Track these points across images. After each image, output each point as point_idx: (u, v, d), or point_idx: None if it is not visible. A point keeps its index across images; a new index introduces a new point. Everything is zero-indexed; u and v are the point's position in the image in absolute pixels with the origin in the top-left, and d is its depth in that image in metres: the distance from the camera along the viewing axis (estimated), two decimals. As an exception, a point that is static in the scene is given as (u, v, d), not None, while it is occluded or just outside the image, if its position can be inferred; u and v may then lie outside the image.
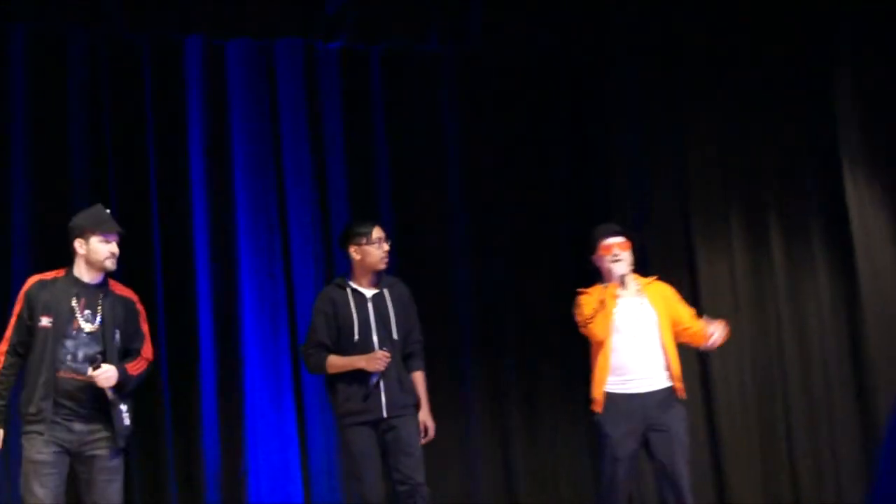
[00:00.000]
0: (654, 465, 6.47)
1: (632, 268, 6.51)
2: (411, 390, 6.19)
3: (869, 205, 8.56)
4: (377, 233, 6.26)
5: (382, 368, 6.05)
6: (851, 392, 8.52)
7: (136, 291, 6.30)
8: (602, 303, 6.31)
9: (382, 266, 6.22)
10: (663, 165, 8.74)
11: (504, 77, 8.73)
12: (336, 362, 6.12)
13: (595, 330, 6.32)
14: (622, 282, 6.45)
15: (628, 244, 6.54)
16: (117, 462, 5.70)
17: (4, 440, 5.51)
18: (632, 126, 8.74)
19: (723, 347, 7.64)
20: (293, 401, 7.91)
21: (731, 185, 8.76)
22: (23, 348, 5.59)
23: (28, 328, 5.57)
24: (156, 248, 7.60)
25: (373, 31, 8.10)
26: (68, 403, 5.54)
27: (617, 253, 6.44)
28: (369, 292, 6.18)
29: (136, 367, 5.70)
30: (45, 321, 5.55)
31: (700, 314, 6.80)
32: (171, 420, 7.59)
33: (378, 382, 6.07)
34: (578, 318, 6.44)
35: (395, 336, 6.23)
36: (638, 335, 6.47)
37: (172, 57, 7.88)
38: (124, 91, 7.72)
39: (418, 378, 6.28)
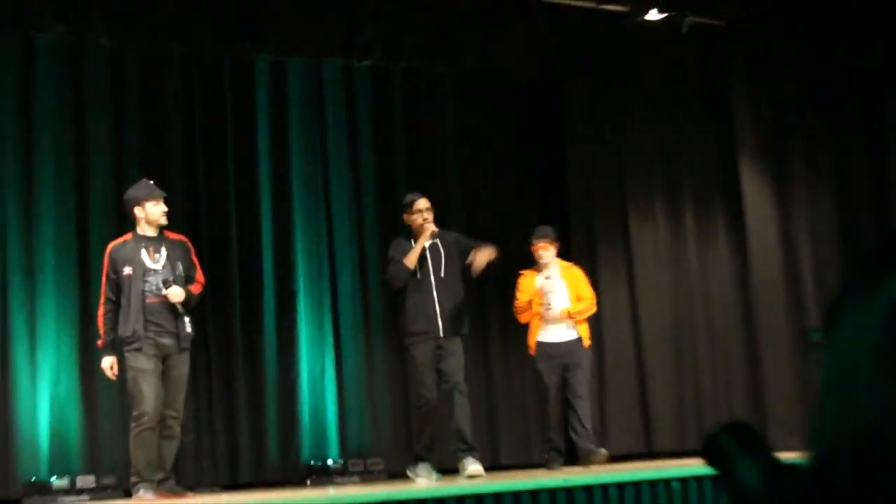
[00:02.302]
0: (567, 389, 8.13)
1: (553, 259, 8.24)
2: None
3: (758, 190, 9.70)
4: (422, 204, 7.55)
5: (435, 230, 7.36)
6: (741, 324, 9.81)
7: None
8: (529, 304, 8.13)
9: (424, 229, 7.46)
10: (606, 162, 9.96)
11: (490, 93, 9.96)
12: (410, 257, 7.44)
13: (521, 318, 8.26)
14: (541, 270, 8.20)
15: (550, 244, 8.22)
16: (185, 359, 6.90)
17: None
18: (582, 134, 9.94)
19: (648, 291, 9.50)
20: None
21: (656, 174, 9.98)
22: (115, 297, 6.77)
23: (115, 281, 6.75)
24: (232, 221, 8.91)
25: (396, 54, 9.12)
26: (153, 321, 6.77)
27: (542, 254, 8.21)
28: (426, 242, 7.50)
29: (195, 289, 6.94)
30: (127, 270, 6.72)
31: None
32: (242, 335, 8.89)
33: None
34: (516, 302, 8.25)
35: (444, 274, 7.54)
36: (555, 303, 8.17)
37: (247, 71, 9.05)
38: (211, 98, 8.94)
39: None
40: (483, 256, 7.52)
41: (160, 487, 6.78)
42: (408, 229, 7.66)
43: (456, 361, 7.47)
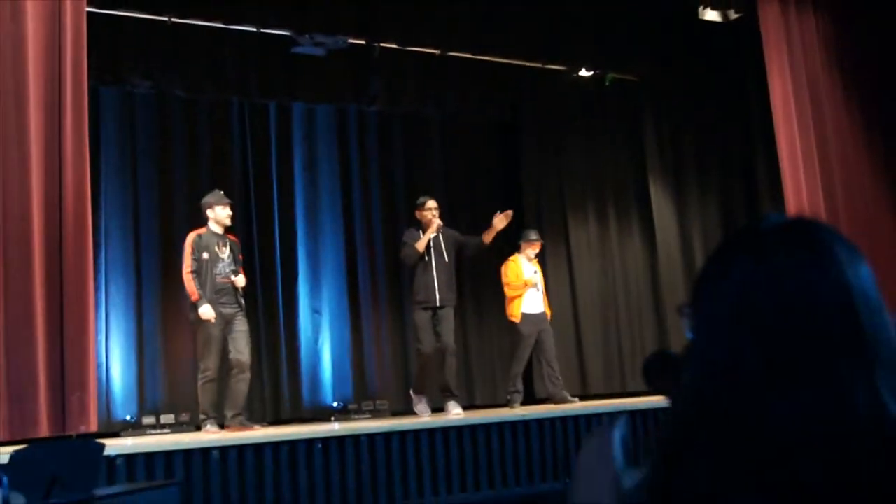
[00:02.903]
0: (538, 350, 8.40)
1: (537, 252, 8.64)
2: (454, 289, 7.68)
3: (662, 200, 10.05)
4: (431, 205, 7.73)
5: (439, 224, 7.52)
6: (651, 299, 10.08)
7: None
8: (525, 284, 8.39)
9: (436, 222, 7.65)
10: (551, 180, 10.06)
11: (465, 131, 10.07)
12: (420, 243, 7.58)
13: (512, 292, 8.41)
14: (530, 259, 8.58)
15: (538, 244, 8.64)
16: (243, 319, 7.06)
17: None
18: (534, 160, 10.05)
19: (583, 275, 9.66)
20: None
21: (588, 190, 10.17)
22: (197, 270, 6.90)
23: (196, 260, 6.94)
24: (275, 224, 9.06)
25: (395, 101, 9.29)
26: (221, 296, 6.96)
27: (535, 251, 8.62)
28: (432, 234, 7.59)
29: (243, 279, 7.16)
30: (205, 255, 6.95)
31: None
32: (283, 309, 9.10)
33: None
34: (506, 280, 8.44)
35: (446, 259, 7.64)
36: (535, 285, 8.50)
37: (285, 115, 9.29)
38: (258, 136, 9.10)
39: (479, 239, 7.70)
40: (502, 221, 7.75)
41: (232, 421, 6.88)
42: (418, 223, 7.85)
43: (448, 326, 7.64)
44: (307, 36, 8.32)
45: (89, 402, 5.66)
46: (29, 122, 5.72)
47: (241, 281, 7.10)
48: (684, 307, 8.68)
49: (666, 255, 9.97)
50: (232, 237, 7.27)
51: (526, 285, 8.47)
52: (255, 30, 8.24)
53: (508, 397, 8.41)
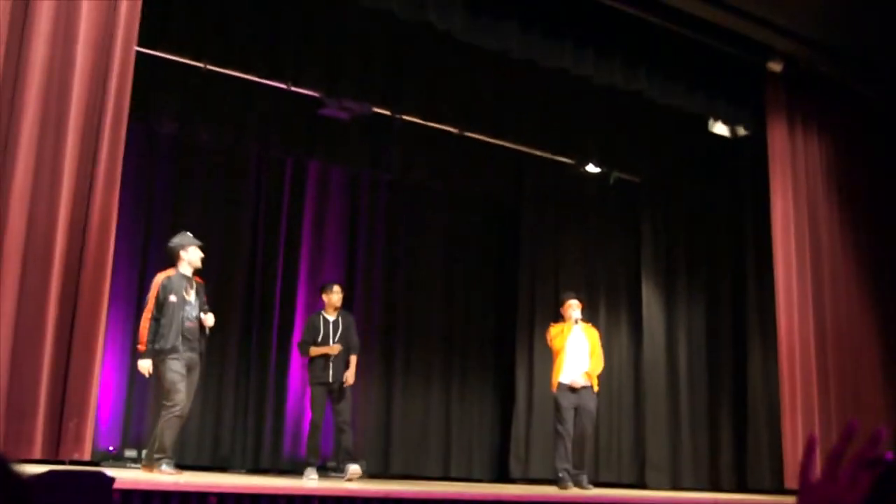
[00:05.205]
0: (576, 426, 7.58)
1: (580, 317, 7.86)
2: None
3: (653, 298, 9.83)
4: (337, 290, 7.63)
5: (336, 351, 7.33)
6: (631, 399, 9.78)
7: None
8: (561, 331, 7.74)
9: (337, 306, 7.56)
10: (547, 266, 10.04)
11: (471, 209, 10.19)
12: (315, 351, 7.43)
13: (556, 345, 7.76)
14: (576, 321, 7.79)
15: (580, 304, 7.96)
16: (199, 368, 6.56)
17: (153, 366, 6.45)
18: (531, 243, 10.07)
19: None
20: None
21: (581, 280, 9.92)
22: (158, 315, 6.45)
23: (161, 304, 6.47)
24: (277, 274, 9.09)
25: (407, 172, 9.30)
26: (188, 339, 6.49)
27: (575, 308, 7.85)
28: (332, 318, 7.55)
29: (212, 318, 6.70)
30: (172, 298, 6.47)
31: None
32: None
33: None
34: (549, 337, 7.85)
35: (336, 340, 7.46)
36: (576, 353, 7.73)
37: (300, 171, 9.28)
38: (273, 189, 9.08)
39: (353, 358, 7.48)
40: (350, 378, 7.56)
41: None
42: (320, 305, 7.72)
43: (346, 402, 7.40)
44: (335, 99, 8.23)
45: (86, 430, 5.35)
46: (66, 144, 5.52)
47: (210, 320, 6.66)
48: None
49: (651, 353, 9.78)
50: (198, 279, 6.79)
51: (554, 350, 7.81)
52: (285, 87, 8.10)
53: (560, 475, 7.55)
